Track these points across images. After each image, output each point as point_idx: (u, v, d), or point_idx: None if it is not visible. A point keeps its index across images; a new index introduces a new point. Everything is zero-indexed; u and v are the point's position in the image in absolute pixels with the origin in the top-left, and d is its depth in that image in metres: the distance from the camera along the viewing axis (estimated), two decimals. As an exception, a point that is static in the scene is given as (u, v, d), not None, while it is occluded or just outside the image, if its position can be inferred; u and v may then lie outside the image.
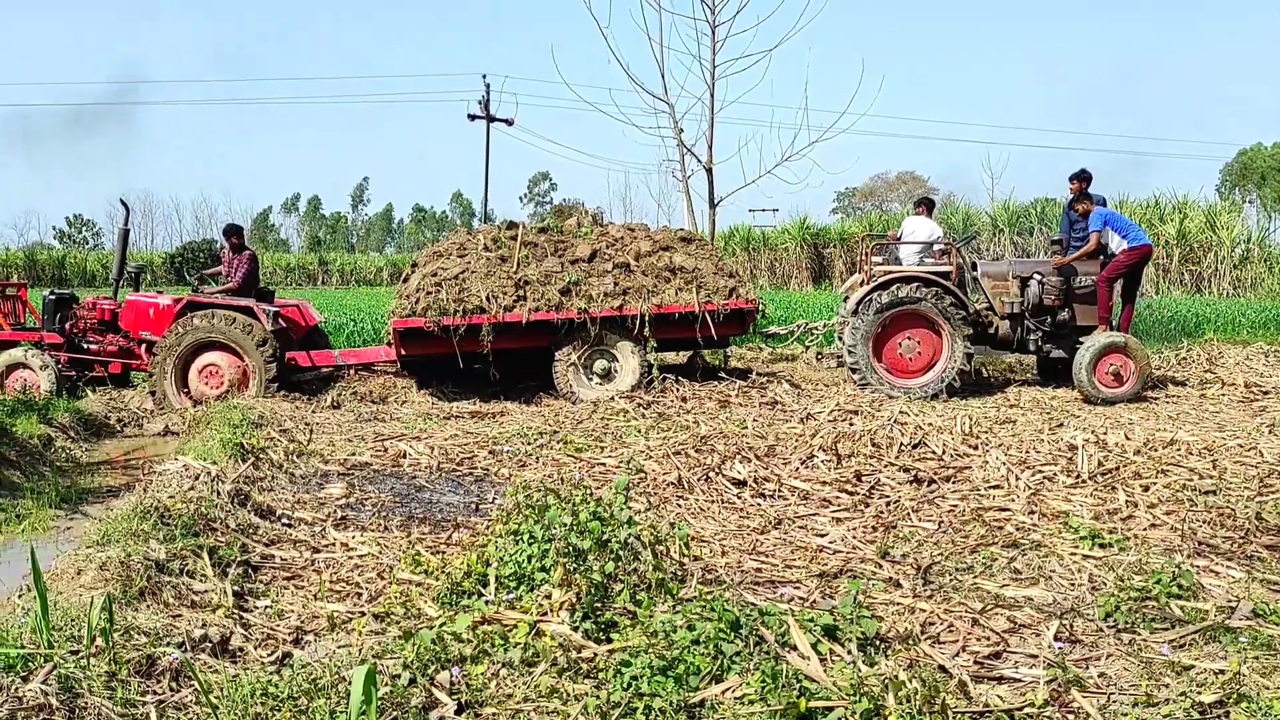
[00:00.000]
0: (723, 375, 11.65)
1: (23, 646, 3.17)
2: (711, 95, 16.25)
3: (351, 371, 12.09)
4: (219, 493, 5.56)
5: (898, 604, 4.30)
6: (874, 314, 10.84)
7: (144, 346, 11.34)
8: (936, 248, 11.85)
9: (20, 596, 3.88)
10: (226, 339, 10.87)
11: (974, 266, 11.78)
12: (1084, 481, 6.34)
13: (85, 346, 11.76)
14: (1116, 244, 10.93)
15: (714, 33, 16.08)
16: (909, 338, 10.96)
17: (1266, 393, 11.20)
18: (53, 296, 12.02)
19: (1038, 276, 11.15)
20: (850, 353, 11.01)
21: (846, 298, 12.26)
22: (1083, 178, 11.34)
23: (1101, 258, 11.00)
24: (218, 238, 58.02)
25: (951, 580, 4.68)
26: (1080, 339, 10.86)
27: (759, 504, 6.11)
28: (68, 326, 11.73)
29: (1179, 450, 7.02)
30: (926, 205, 12.80)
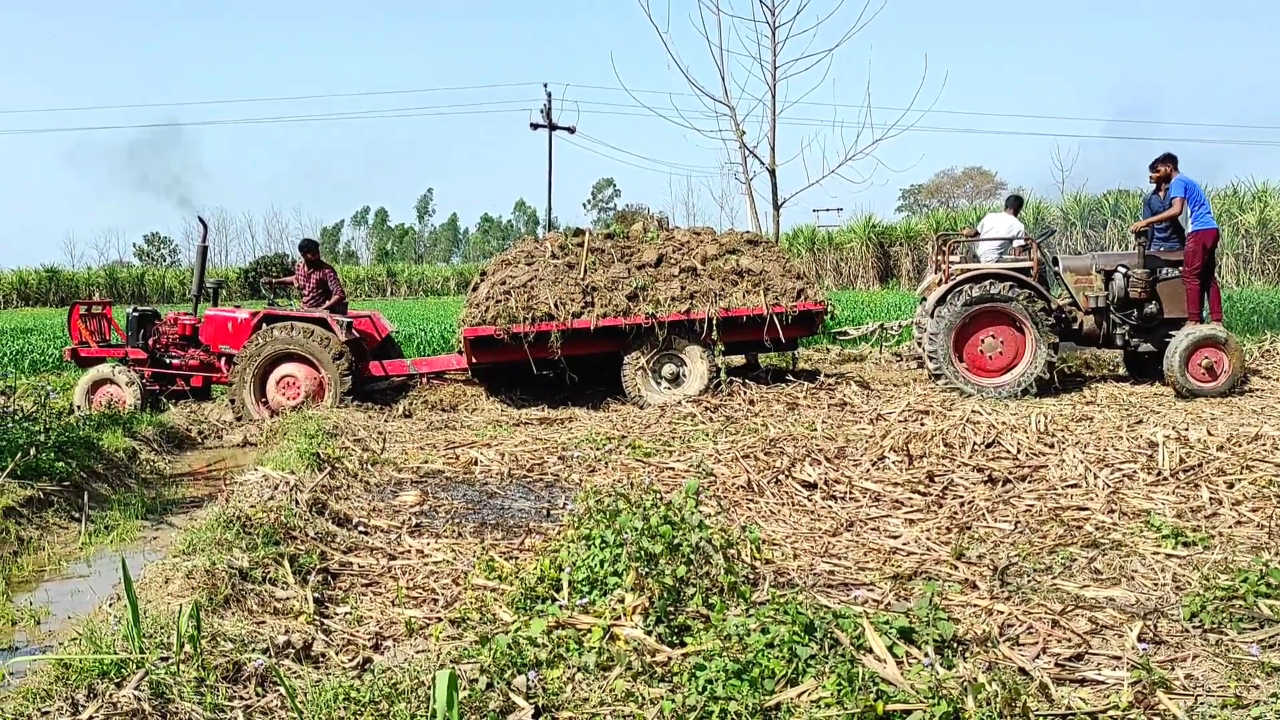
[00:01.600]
0: (790, 377, 11.58)
1: (116, 653, 3.28)
2: (773, 96, 16.18)
3: (424, 380, 12.27)
4: (297, 502, 5.69)
5: (974, 606, 4.24)
6: (956, 311, 10.69)
7: (223, 360, 11.65)
8: (1016, 244, 11.62)
9: (111, 605, 4.02)
10: (303, 350, 11.12)
11: (1055, 262, 11.56)
12: (1165, 479, 6.19)
13: (168, 361, 12.12)
14: (1187, 215, 10.66)
15: (774, 34, 16.02)
16: (991, 336, 10.78)
17: (1357, 385, 10.82)
18: (136, 313, 12.41)
19: (1122, 269, 10.90)
20: (931, 354, 10.87)
21: (924, 297, 12.10)
22: (1168, 161, 10.98)
23: (1182, 250, 10.70)
24: (289, 251, 59.39)
25: (1029, 581, 4.60)
26: (1169, 332, 10.59)
27: (830, 506, 6.07)
28: (151, 342, 12.10)
29: (1264, 445, 6.80)
30: (1015, 203, 12.55)
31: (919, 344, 11.97)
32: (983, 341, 10.80)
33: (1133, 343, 10.98)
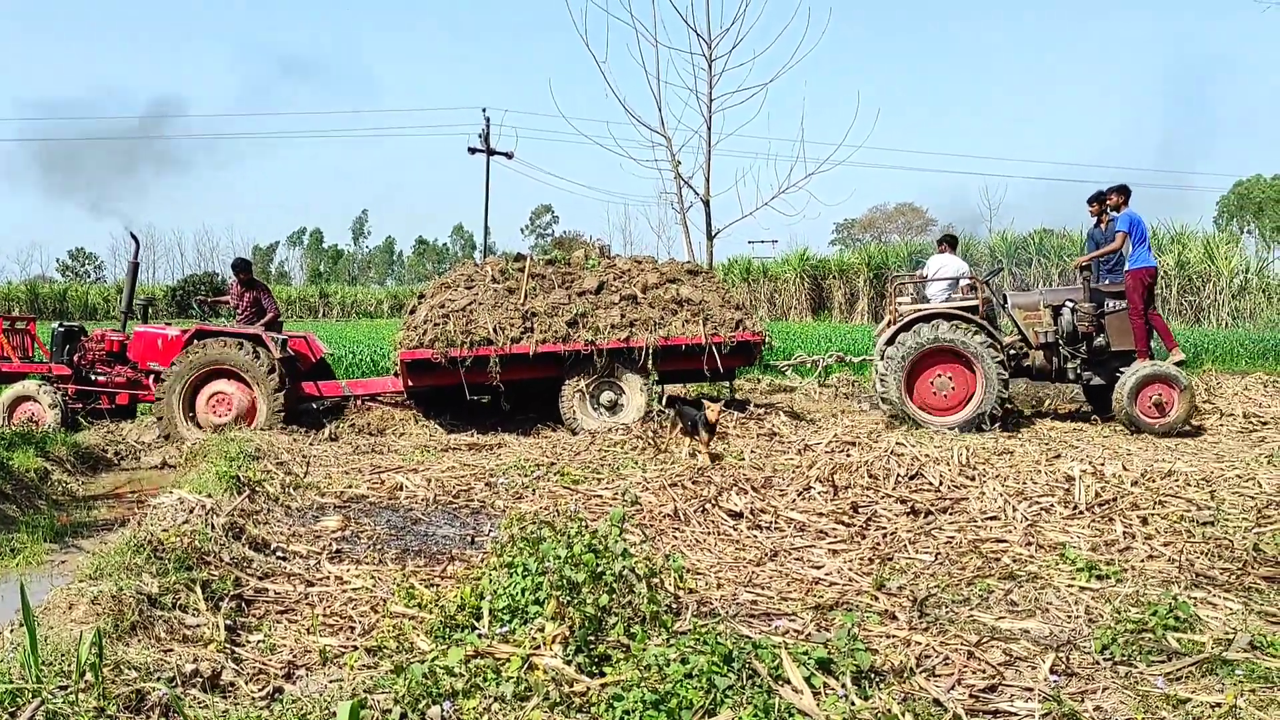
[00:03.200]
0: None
1: (10, 681, 3.16)
2: (708, 128, 16.36)
3: (355, 403, 12.11)
4: (213, 526, 5.55)
5: (893, 637, 4.28)
6: (904, 353, 10.83)
7: (152, 377, 11.38)
8: (963, 283, 11.82)
9: (10, 631, 3.87)
10: (235, 366, 10.90)
11: (1004, 299, 11.77)
12: (1081, 513, 6.32)
13: (93, 378, 11.81)
14: (1127, 252, 10.87)
15: (710, 67, 16.22)
16: (942, 374, 10.92)
17: (1265, 423, 11.19)
18: (61, 329, 12.09)
19: (1069, 304, 11.13)
20: (883, 394, 11.00)
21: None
22: (1121, 191, 11.11)
23: (1126, 285, 10.88)
24: (219, 270, 58.36)
25: (948, 612, 4.65)
26: (1119, 365, 10.82)
27: (755, 536, 6.10)
28: (76, 359, 11.78)
29: (1177, 481, 7.00)
30: (950, 242, 12.70)
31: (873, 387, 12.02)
32: (934, 380, 10.94)
33: (1084, 376, 11.19)
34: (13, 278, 65.25)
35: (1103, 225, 11.44)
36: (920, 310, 11.20)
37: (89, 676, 3.23)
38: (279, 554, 5.70)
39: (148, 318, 12.87)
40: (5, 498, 7.69)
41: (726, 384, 13.19)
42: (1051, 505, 6.50)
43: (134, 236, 13.13)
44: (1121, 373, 10.63)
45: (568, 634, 3.82)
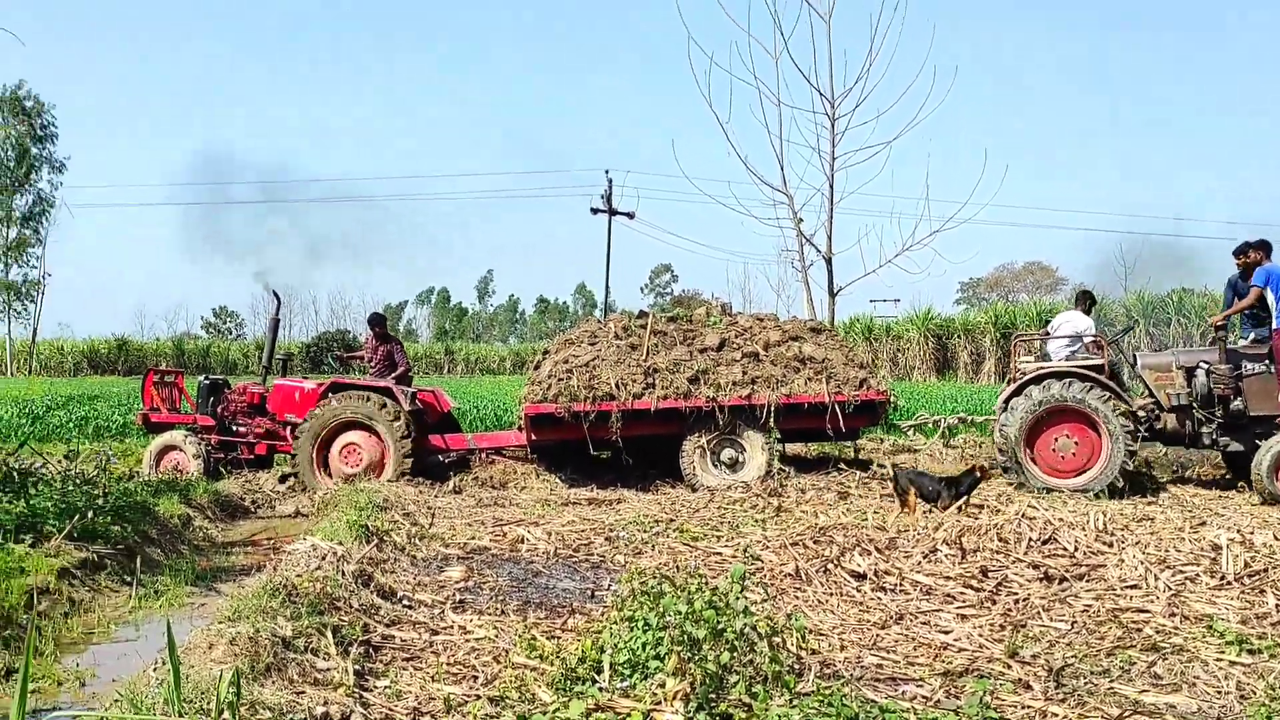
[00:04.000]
0: (842, 466, 11.46)
1: (156, 716, 3.29)
2: (831, 186, 16.34)
3: (480, 456, 12.37)
4: (344, 573, 5.71)
5: (1028, 707, 4.10)
6: (1024, 412, 10.48)
7: (288, 428, 11.86)
8: (1086, 340, 11.40)
9: (155, 669, 4.03)
10: (366, 418, 11.27)
11: (1134, 359, 11.30)
12: (1230, 583, 5.97)
13: (234, 429, 12.36)
14: (1272, 308, 10.26)
15: (833, 126, 16.24)
16: (1065, 435, 10.50)
17: None
18: (207, 382, 12.75)
19: (1204, 365, 10.56)
20: (1001, 451, 10.64)
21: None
22: (1260, 247, 10.57)
23: (1272, 341, 10.32)
24: (351, 327, 60.60)
25: (1086, 684, 4.44)
26: (1259, 430, 10.18)
27: (879, 598, 5.94)
28: (219, 410, 12.37)
29: (1335, 553, 6.55)
30: (1086, 299, 12.29)
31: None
32: (1056, 440, 10.52)
33: (1221, 442, 10.57)
34: (160, 334, 69.12)
35: (1248, 281, 10.86)
36: (1042, 368, 10.83)
37: (227, 715, 3.35)
38: (405, 602, 5.83)
39: (287, 371, 13.45)
40: (151, 542, 8.07)
41: (849, 443, 12.99)
42: (1197, 575, 6.16)
43: (275, 294, 13.78)
44: (1261, 440, 10.00)
45: (689, 691, 3.78)
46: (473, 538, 7.97)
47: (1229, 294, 11.44)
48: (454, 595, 6.07)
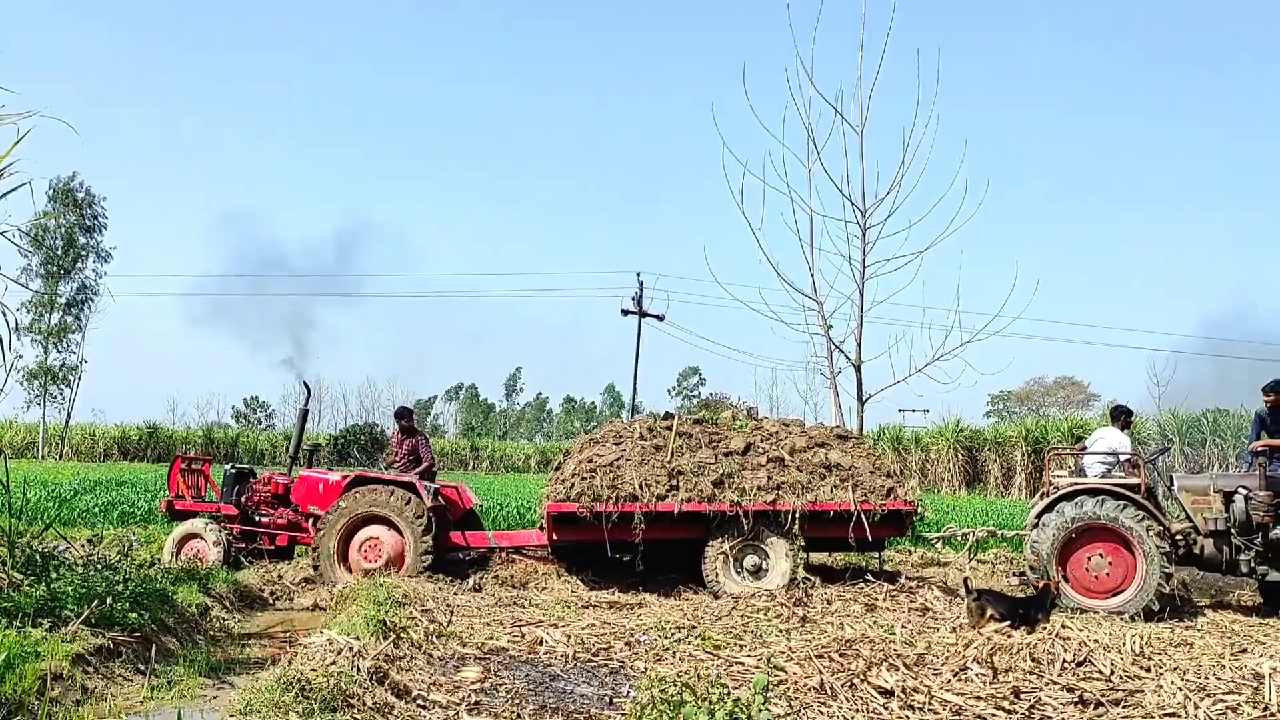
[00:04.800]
0: (870, 577, 11.23)
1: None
2: (861, 294, 16.38)
3: (500, 555, 12.25)
4: (359, 669, 5.62)
5: (1062, 839, 3.91)
6: (1056, 529, 10.29)
7: (311, 520, 11.82)
8: (1123, 458, 11.23)
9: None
10: (387, 512, 11.22)
11: (1170, 481, 11.10)
12: (1273, 714, 5.74)
13: (257, 519, 12.34)
14: None
15: (864, 235, 16.37)
16: (1100, 554, 10.27)
17: None
18: (233, 470, 12.79)
19: (1243, 491, 10.34)
20: (1033, 568, 10.41)
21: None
22: None
23: None
24: (380, 421, 60.87)
25: (1124, 817, 4.24)
26: None
27: (907, 716, 5.75)
28: (244, 499, 12.37)
29: (1385, 686, 6.29)
30: (1122, 416, 12.15)
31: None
32: (1089, 560, 10.28)
33: (1259, 570, 10.28)
34: (191, 423, 69.68)
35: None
36: (1076, 484, 10.65)
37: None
38: (419, 702, 5.70)
39: (313, 463, 13.48)
40: (168, 630, 7.99)
41: (875, 554, 12.76)
42: (1238, 704, 5.93)
43: (305, 385, 13.91)
44: None
45: (707, 807, 3.65)
46: (491, 637, 7.84)
47: (1256, 426, 11.32)
48: (470, 696, 5.94)
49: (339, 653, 5.91)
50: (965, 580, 8.86)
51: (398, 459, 12.64)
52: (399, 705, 5.49)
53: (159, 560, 11.32)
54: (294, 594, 10.89)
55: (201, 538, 11.83)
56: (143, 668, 6.89)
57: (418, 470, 12.42)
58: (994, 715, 5.80)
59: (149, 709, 6.14)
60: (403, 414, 13.16)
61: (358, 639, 6.36)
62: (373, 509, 11.28)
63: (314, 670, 5.37)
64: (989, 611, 8.22)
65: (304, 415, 13.51)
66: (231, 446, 58.57)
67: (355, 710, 5.04)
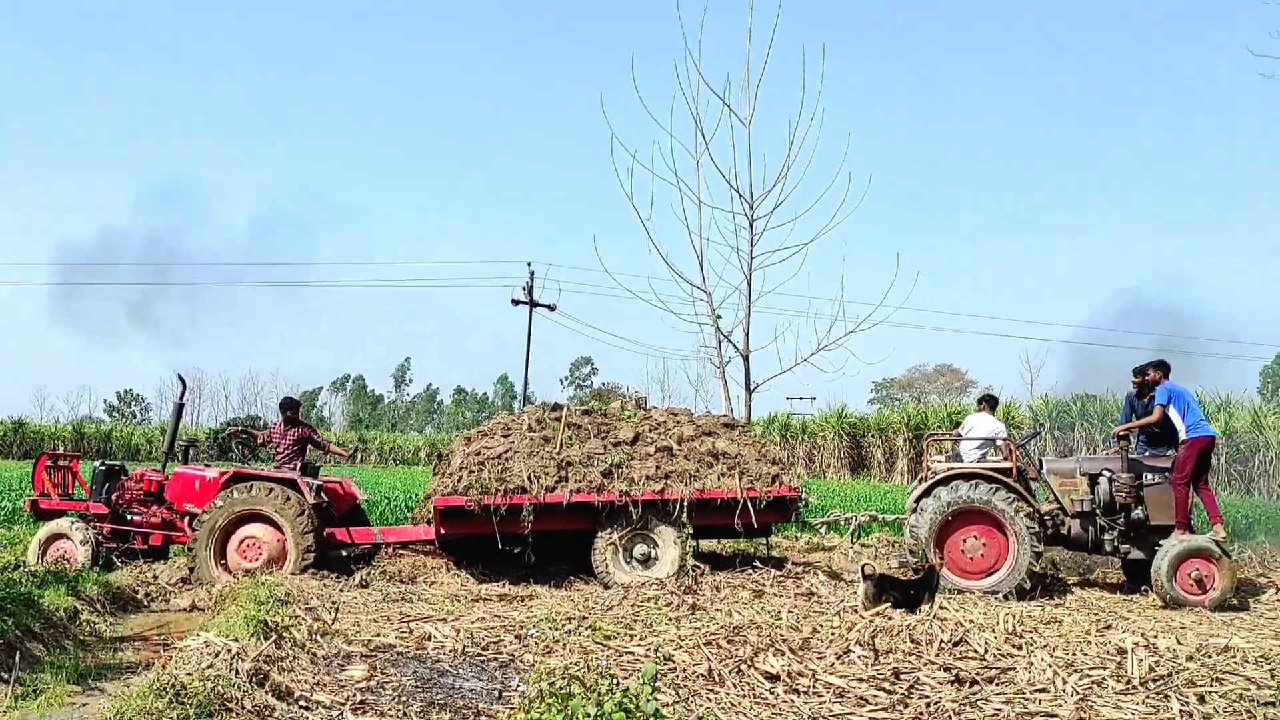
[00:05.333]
0: (757, 563, 11.41)
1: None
2: (749, 285, 16.60)
3: (387, 550, 12.02)
4: (238, 671, 5.44)
5: (939, 814, 4.04)
6: (933, 513, 10.64)
7: (186, 519, 11.40)
8: (999, 443, 11.68)
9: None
10: (267, 510, 10.89)
11: (1040, 464, 11.58)
12: (1135, 688, 6.03)
13: (129, 518, 11.83)
14: (1178, 426, 10.67)
15: (752, 226, 16.58)
16: (974, 536, 10.66)
17: (1325, 598, 10.76)
18: (103, 467, 12.23)
19: (1107, 474, 10.86)
20: (912, 552, 10.75)
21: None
22: (1159, 367, 11.09)
23: (1172, 454, 10.73)
24: (263, 414, 59.20)
25: (996, 790, 4.40)
26: (1158, 539, 10.48)
27: (792, 700, 5.86)
28: (114, 497, 11.85)
29: (1234, 657, 6.68)
30: (989, 402, 12.63)
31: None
32: (965, 542, 10.67)
33: (1121, 549, 10.83)
34: (60, 417, 66.64)
35: (1144, 399, 11.34)
36: (953, 469, 11.03)
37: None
38: (302, 703, 5.56)
39: (189, 459, 13.00)
40: (33, 636, 7.61)
41: (763, 540, 12.97)
42: (1103, 679, 6.21)
43: (180, 378, 13.41)
44: (1160, 547, 10.28)
45: (595, 799, 3.65)
46: (378, 634, 7.69)
47: (1126, 409, 11.90)
48: (355, 695, 5.82)
49: (217, 655, 5.72)
50: (863, 566, 9.08)
51: (280, 451, 12.27)
52: (280, 707, 5.34)
53: (24, 563, 10.79)
54: (170, 595, 10.49)
55: (68, 538, 11.30)
56: (5, 676, 6.55)
57: (320, 449, 12.56)
58: (875, 696, 5.95)
59: (13, 719, 5.85)
60: (288, 405, 12.76)
61: (236, 640, 6.16)
62: (252, 506, 10.94)
63: (190, 674, 5.18)
64: (885, 595, 8.44)
65: (179, 409, 13.01)
66: (104, 442, 56.18)
67: (234, 715, 4.89)
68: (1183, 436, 10.65)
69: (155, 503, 11.87)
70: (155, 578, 10.93)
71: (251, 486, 11.07)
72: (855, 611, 8.21)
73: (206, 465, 12.52)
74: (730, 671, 6.31)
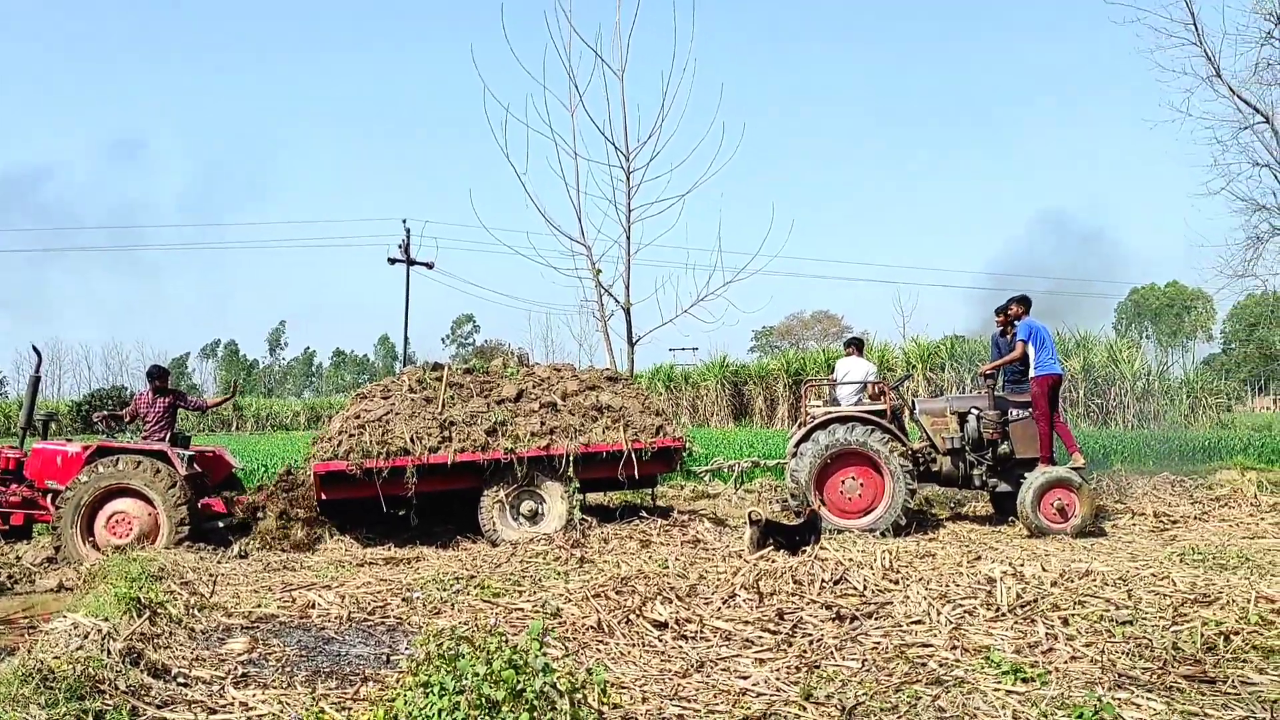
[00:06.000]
0: (644, 514, 11.53)
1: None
2: (628, 238, 16.59)
3: (265, 514, 11.66)
4: (109, 652, 5.24)
5: (823, 748, 4.18)
6: (812, 456, 10.89)
7: (49, 496, 10.87)
8: (870, 386, 12.02)
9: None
10: (137, 485, 10.46)
11: (912, 405, 11.95)
12: (1004, 615, 6.33)
13: None
14: (1031, 359, 11.12)
15: (629, 179, 16.53)
16: (851, 477, 10.97)
17: (1175, 522, 11.48)
18: None
19: (975, 412, 11.30)
20: (793, 494, 11.01)
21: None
22: (1021, 302, 11.48)
23: (1032, 393, 11.16)
24: (129, 384, 56.75)
25: (876, 720, 4.57)
26: (1023, 472, 10.95)
27: (681, 646, 5.97)
28: (-32, 477, 11.19)
29: (1095, 581, 7.08)
30: (857, 345, 12.97)
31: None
32: (843, 483, 10.98)
33: (990, 483, 11.31)
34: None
35: (1008, 335, 11.80)
36: (830, 413, 11.33)
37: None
38: (180, 680, 5.40)
39: (48, 434, 12.37)
40: (-118, 627, 7.19)
41: (648, 491, 13.10)
42: (975, 608, 6.50)
43: (36, 350, 12.71)
44: (1025, 479, 10.79)
45: (486, 757, 3.65)
46: (259, 605, 7.51)
47: (994, 350, 12.38)
48: (236, 669, 5.68)
49: (86, 636, 5.49)
50: (750, 512, 9.25)
51: (148, 422, 11.77)
52: (156, 686, 5.17)
53: None
54: (35, 576, 10.01)
55: (-80, 522, 10.67)
56: None
57: (198, 407, 12.43)
58: (760, 637, 6.11)
59: None
60: (156, 374, 12.20)
61: (107, 620, 5.92)
62: (119, 481, 10.49)
63: (58, 657, 4.96)
64: (770, 539, 8.64)
65: (35, 382, 12.33)
66: (-46, 419, 53.01)
67: (106, 696, 4.71)
68: (1032, 373, 11.15)
69: (14, 481, 11.27)
70: (18, 559, 10.43)
71: (118, 460, 10.61)
72: (740, 556, 8.39)
73: (68, 440, 11.92)
74: (619, 622, 6.38)
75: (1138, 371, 31.89)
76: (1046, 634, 5.93)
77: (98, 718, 4.38)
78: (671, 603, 6.71)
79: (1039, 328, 11.21)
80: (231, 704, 5.03)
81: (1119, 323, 66.49)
